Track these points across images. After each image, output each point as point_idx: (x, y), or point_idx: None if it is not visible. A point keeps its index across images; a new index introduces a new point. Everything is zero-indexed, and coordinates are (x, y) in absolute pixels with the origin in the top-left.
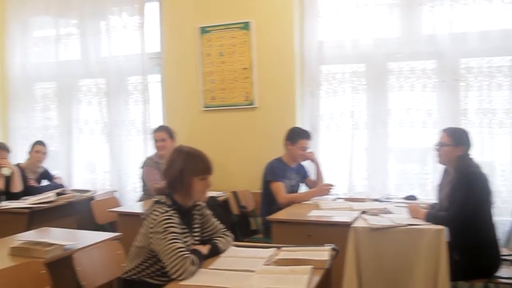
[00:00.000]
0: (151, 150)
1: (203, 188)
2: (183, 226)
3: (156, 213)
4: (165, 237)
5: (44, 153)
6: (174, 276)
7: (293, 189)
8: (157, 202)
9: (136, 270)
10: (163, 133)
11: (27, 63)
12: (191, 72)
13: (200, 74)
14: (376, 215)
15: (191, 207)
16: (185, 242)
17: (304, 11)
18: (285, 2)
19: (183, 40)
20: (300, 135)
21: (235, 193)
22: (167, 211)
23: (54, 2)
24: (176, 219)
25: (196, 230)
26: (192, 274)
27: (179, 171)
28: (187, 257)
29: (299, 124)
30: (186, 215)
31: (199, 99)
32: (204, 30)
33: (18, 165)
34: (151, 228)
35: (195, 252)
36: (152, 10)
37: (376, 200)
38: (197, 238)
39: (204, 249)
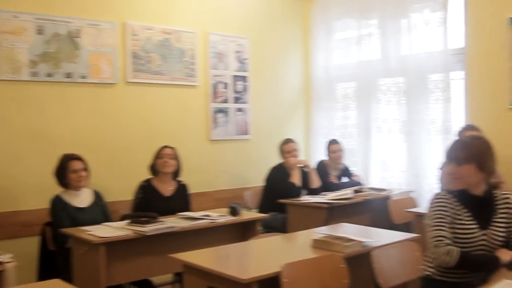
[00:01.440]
0: None
1: None
2: (469, 217)
3: (431, 202)
4: (430, 224)
5: (340, 151)
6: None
7: None
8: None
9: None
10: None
11: (329, 65)
12: (496, 67)
13: (507, 69)
14: None
15: (487, 197)
16: (472, 234)
17: None
18: None
19: (489, 33)
20: None
21: None
22: (440, 198)
23: (356, 5)
24: (448, 207)
25: (499, 225)
26: (448, 265)
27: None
28: (443, 246)
29: None
30: (479, 205)
31: (504, 96)
32: None
33: (321, 162)
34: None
35: (493, 258)
36: (456, 4)
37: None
38: (501, 235)
39: (507, 256)
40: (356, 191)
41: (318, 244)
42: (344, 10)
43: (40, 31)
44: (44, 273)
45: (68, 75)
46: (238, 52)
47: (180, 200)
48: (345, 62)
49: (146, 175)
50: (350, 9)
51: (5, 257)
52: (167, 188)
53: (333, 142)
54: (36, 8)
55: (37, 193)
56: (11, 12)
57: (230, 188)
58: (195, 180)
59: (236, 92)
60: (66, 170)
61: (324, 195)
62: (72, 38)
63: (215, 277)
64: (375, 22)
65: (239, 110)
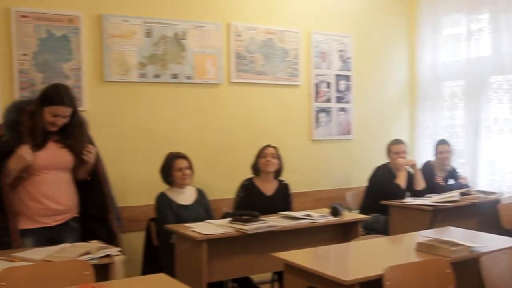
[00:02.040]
0: None
1: None
2: None
3: None
4: None
5: (449, 152)
6: None
7: None
8: None
9: None
10: None
11: (436, 62)
12: None
13: None
14: None
15: None
16: None
17: None
18: None
19: None
20: None
21: None
22: None
23: None
24: None
25: None
26: None
27: None
28: None
29: None
30: None
31: None
32: None
33: (428, 162)
34: None
35: None
36: None
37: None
38: None
39: None
40: (463, 194)
41: (422, 247)
42: (453, 5)
43: (148, 34)
44: (148, 267)
45: (175, 76)
46: (341, 51)
47: (282, 200)
48: (453, 59)
49: (248, 174)
50: (459, 4)
51: (113, 251)
52: (268, 187)
53: (442, 142)
54: (145, 12)
55: (143, 189)
56: (122, 16)
57: (332, 188)
58: (296, 180)
59: (338, 91)
60: (171, 168)
61: (429, 197)
62: (178, 40)
63: (315, 277)
64: (486, 17)
65: (342, 109)
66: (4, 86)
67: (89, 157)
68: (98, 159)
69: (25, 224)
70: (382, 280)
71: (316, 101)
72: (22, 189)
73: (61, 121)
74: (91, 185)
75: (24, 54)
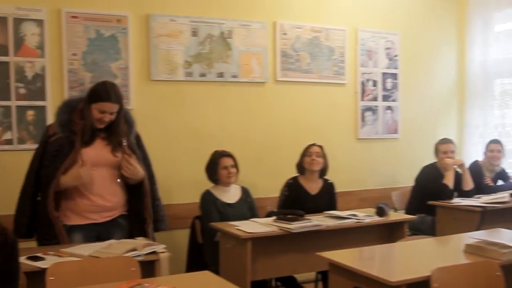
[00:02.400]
0: None
1: None
2: None
3: None
4: None
5: (500, 152)
6: None
7: None
8: None
9: None
10: None
11: (487, 59)
12: None
13: None
14: None
15: None
16: None
17: None
18: None
19: None
20: None
21: None
22: None
23: None
24: None
25: None
26: None
27: None
28: None
29: None
30: None
31: None
32: None
33: (476, 162)
34: None
35: None
36: None
37: None
38: None
39: None
40: None
41: (471, 249)
42: (506, 0)
43: (194, 33)
44: (192, 265)
45: (220, 75)
46: (388, 48)
47: (326, 199)
48: (505, 56)
49: (293, 172)
50: None
51: (159, 248)
52: (313, 186)
53: (494, 141)
54: (191, 11)
55: (188, 187)
56: (168, 16)
57: (377, 187)
58: (341, 179)
59: (385, 89)
60: (217, 166)
61: (478, 198)
62: (224, 38)
63: (361, 278)
64: None
65: (388, 108)
66: (54, 86)
67: (127, 172)
68: (146, 165)
69: (74, 220)
70: (430, 281)
71: (362, 100)
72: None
73: (108, 118)
74: (135, 189)
75: (74, 54)
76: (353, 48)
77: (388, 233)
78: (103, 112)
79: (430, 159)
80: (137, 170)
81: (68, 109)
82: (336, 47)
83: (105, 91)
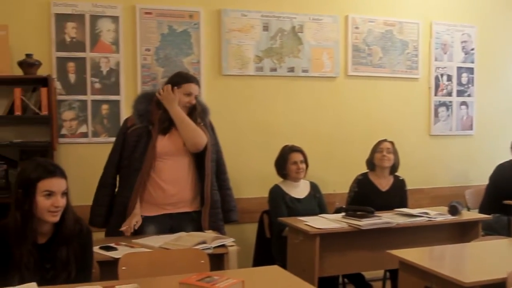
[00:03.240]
0: None
1: None
2: None
3: None
4: None
5: None
6: None
7: None
8: None
9: None
10: None
11: None
12: None
13: None
14: None
15: None
16: None
17: None
18: None
19: None
20: None
21: None
22: None
23: None
24: None
25: None
26: None
27: None
28: None
29: None
30: None
31: None
32: None
33: None
34: None
35: None
36: None
37: None
38: None
39: None
40: None
41: None
42: None
43: (265, 28)
44: (259, 259)
45: (291, 70)
46: (464, 42)
47: (397, 196)
48: None
49: (363, 169)
50: None
51: (228, 241)
52: (384, 183)
53: None
54: (263, 6)
55: (257, 182)
56: (240, 11)
57: (450, 185)
58: (412, 176)
59: (460, 84)
60: (286, 161)
61: None
62: (295, 33)
63: (433, 277)
64: None
65: (463, 103)
66: (128, 80)
67: (161, 96)
68: (217, 152)
69: (147, 211)
70: (506, 284)
71: (436, 95)
72: (145, 175)
73: (194, 100)
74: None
75: (147, 49)
76: (427, 41)
77: (461, 232)
78: (189, 94)
79: (506, 157)
80: (172, 97)
81: (146, 99)
82: (409, 41)
83: (187, 75)
